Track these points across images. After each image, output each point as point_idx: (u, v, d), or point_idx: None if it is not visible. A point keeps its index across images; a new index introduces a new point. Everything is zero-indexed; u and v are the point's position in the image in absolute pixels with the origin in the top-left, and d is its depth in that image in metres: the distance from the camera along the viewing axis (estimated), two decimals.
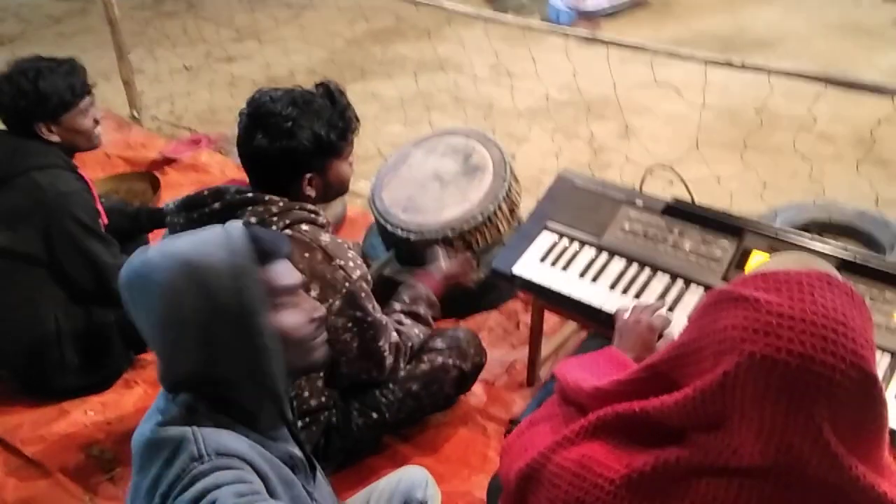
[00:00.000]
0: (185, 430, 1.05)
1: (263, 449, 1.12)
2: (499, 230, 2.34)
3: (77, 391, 2.29)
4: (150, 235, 2.68)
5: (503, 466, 1.30)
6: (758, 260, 1.76)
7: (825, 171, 2.46)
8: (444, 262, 2.06)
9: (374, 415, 1.85)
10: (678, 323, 1.66)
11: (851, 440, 0.84)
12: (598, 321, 1.82)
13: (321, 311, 1.17)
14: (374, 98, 4.14)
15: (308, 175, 1.66)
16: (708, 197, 2.15)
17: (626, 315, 1.58)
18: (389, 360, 1.76)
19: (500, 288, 2.44)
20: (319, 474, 1.31)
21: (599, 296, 1.82)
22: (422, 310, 1.90)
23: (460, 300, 2.40)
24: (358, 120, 1.73)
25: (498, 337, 2.37)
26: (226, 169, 3.52)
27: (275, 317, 1.09)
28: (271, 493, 1.07)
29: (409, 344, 1.83)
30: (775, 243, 1.78)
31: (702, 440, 0.91)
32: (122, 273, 1.09)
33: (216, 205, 1.61)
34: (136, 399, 2.29)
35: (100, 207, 2.33)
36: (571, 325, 2.33)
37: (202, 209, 1.61)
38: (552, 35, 4.25)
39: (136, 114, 3.98)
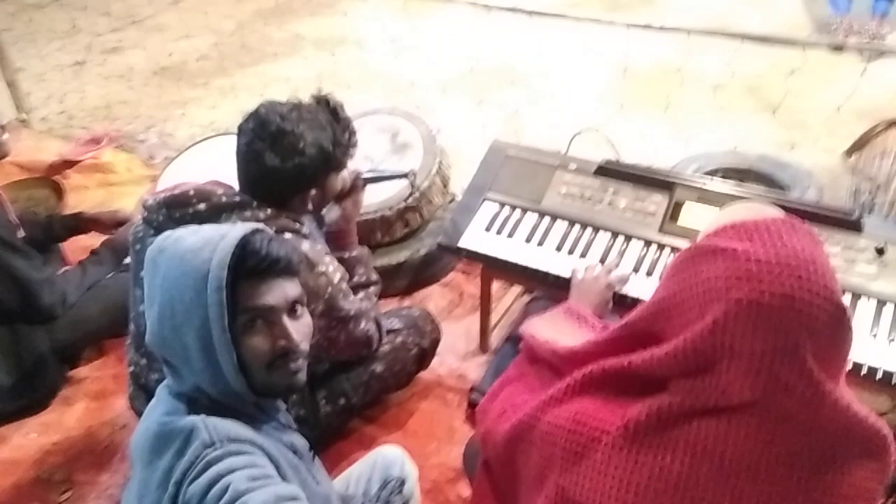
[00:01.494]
0: (195, 420, 1.06)
1: (270, 437, 1.14)
2: (434, 204, 2.38)
3: (12, 415, 2.18)
4: (65, 244, 2.55)
5: (481, 430, 1.35)
6: (689, 210, 1.88)
7: (724, 120, 2.62)
8: (337, 211, 1.90)
9: (342, 400, 1.87)
10: (632, 280, 1.76)
11: (827, 365, 0.93)
12: (547, 283, 1.90)
13: (292, 341, 1.14)
14: (277, 81, 4.04)
15: (312, 191, 1.66)
16: (630, 155, 2.26)
17: (584, 274, 1.66)
18: (375, 336, 1.80)
19: (440, 261, 2.48)
20: (317, 459, 1.33)
21: (547, 259, 1.90)
22: (364, 275, 1.88)
23: (402, 277, 2.43)
24: (355, 133, 1.72)
25: (444, 309, 2.41)
26: (132, 167, 3.37)
27: (241, 335, 1.10)
28: (283, 477, 1.10)
29: (378, 310, 1.86)
30: (703, 193, 1.90)
31: (689, 385, 0.98)
32: (147, 252, 1.15)
33: (201, 206, 1.57)
34: (78, 415, 2.20)
35: (14, 219, 2.21)
36: (514, 291, 2.40)
37: (185, 209, 1.57)
38: (449, 4, 4.29)
39: (24, 116, 3.73)
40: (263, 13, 5.05)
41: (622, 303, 1.73)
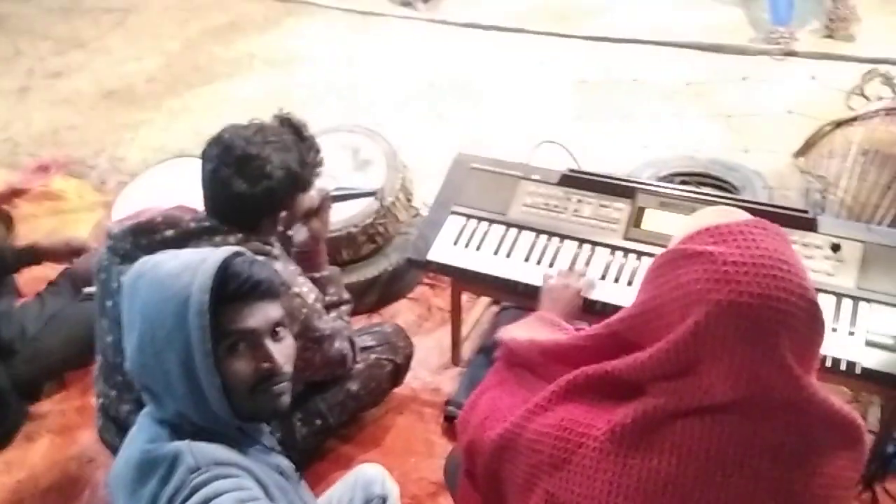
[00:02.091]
0: (179, 445, 1.05)
1: (256, 460, 1.13)
2: (399, 220, 2.38)
3: None
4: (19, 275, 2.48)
5: (464, 441, 1.36)
6: (652, 216, 1.92)
7: (680, 127, 2.70)
8: (305, 232, 1.86)
9: (318, 421, 1.85)
10: (600, 286, 1.79)
11: (803, 360, 0.97)
12: (517, 293, 1.92)
13: (275, 364, 1.14)
14: (230, 100, 4.00)
15: (283, 213, 1.65)
16: (591, 164, 2.31)
17: (553, 281, 1.69)
18: (349, 354, 1.79)
19: (407, 276, 2.49)
20: (303, 481, 1.33)
21: (516, 270, 1.92)
22: (335, 294, 1.87)
23: (371, 294, 2.42)
24: (321, 151, 1.71)
25: (414, 323, 2.41)
26: (84, 193, 3.30)
27: (224, 359, 1.09)
28: (271, 499, 1.09)
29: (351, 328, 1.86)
30: (664, 199, 1.95)
31: (672, 387, 1.01)
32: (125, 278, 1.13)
33: (169, 232, 1.54)
34: (43, 451, 2.14)
35: None
36: (483, 302, 2.42)
37: (153, 236, 1.54)
38: (398, 20, 4.31)
39: None
40: (211, 32, 4.98)
41: (591, 309, 1.76)
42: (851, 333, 1.67)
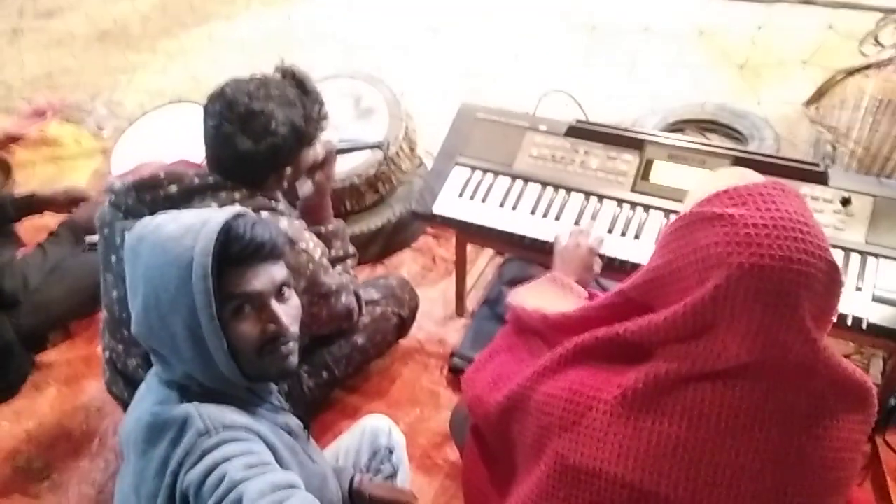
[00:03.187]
0: (188, 408, 1.05)
1: (265, 420, 1.14)
2: (403, 170, 2.35)
3: None
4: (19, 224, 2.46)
5: (469, 397, 1.36)
6: (660, 168, 1.90)
7: (691, 77, 2.63)
8: (310, 185, 1.86)
9: (325, 374, 1.87)
10: (607, 240, 1.78)
11: (820, 323, 0.97)
12: (522, 246, 1.91)
13: (281, 325, 1.13)
14: (227, 42, 3.90)
15: (287, 169, 1.61)
16: (598, 114, 2.26)
17: (565, 240, 1.67)
18: (355, 308, 1.79)
19: (411, 226, 2.47)
20: (311, 438, 1.34)
21: (522, 223, 1.90)
22: (341, 249, 1.87)
23: (375, 245, 2.41)
24: (325, 104, 1.67)
25: (418, 274, 2.41)
26: (81, 139, 3.25)
27: (230, 322, 1.08)
28: (279, 461, 1.10)
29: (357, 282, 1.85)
30: (673, 150, 1.92)
31: (683, 350, 1.00)
32: (126, 240, 1.11)
33: (172, 188, 1.51)
34: (51, 401, 2.16)
35: None
36: (487, 253, 2.41)
37: (156, 191, 1.51)
38: None
39: None
40: None
41: (610, 267, 1.74)
42: (859, 289, 1.66)
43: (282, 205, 1.64)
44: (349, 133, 2.27)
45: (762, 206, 0.97)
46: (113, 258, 1.60)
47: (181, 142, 1.70)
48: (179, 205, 1.48)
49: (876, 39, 2.36)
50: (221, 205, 1.51)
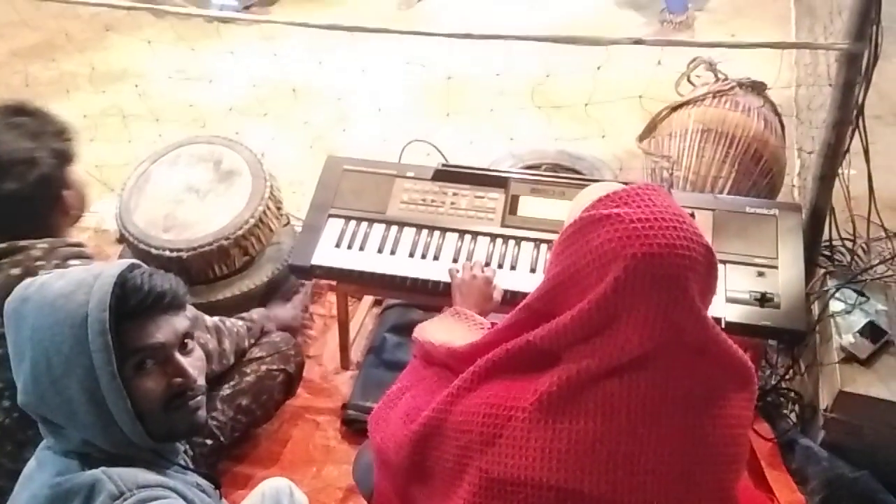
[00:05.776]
0: (95, 473, 0.99)
1: (177, 478, 1.08)
2: (271, 229, 2.32)
3: None
4: None
5: (377, 439, 1.35)
6: (525, 202, 2.01)
7: (542, 118, 2.84)
8: (290, 310, 2.06)
9: (209, 442, 1.76)
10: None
11: (705, 300, 1.08)
12: (406, 288, 1.94)
13: (188, 377, 1.10)
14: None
15: (64, 193, 1.58)
16: (460, 159, 2.37)
17: (460, 275, 1.71)
18: (214, 344, 1.77)
19: (284, 285, 2.42)
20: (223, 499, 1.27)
21: (402, 266, 1.93)
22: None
23: (247, 307, 2.34)
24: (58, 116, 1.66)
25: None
26: None
27: (132, 379, 1.04)
28: None
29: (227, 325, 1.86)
30: (534, 185, 2.05)
31: (589, 350, 1.06)
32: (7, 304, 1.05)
33: None
34: None
35: None
36: (366, 303, 2.41)
37: None
38: (226, 27, 4.17)
39: None
40: (22, 53, 4.58)
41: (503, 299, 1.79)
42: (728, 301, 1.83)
43: (87, 249, 1.60)
44: (212, 196, 2.22)
45: (642, 204, 1.07)
46: None
47: None
48: None
49: (688, 79, 2.66)
50: (24, 269, 1.43)
